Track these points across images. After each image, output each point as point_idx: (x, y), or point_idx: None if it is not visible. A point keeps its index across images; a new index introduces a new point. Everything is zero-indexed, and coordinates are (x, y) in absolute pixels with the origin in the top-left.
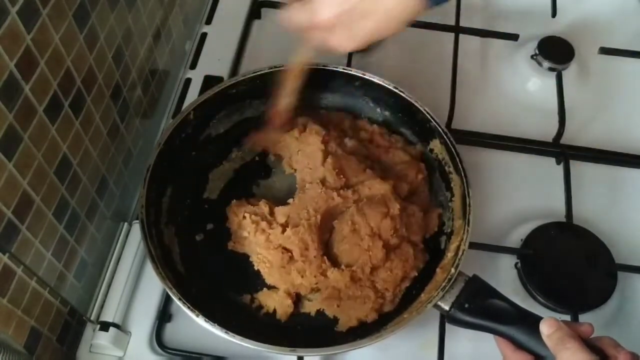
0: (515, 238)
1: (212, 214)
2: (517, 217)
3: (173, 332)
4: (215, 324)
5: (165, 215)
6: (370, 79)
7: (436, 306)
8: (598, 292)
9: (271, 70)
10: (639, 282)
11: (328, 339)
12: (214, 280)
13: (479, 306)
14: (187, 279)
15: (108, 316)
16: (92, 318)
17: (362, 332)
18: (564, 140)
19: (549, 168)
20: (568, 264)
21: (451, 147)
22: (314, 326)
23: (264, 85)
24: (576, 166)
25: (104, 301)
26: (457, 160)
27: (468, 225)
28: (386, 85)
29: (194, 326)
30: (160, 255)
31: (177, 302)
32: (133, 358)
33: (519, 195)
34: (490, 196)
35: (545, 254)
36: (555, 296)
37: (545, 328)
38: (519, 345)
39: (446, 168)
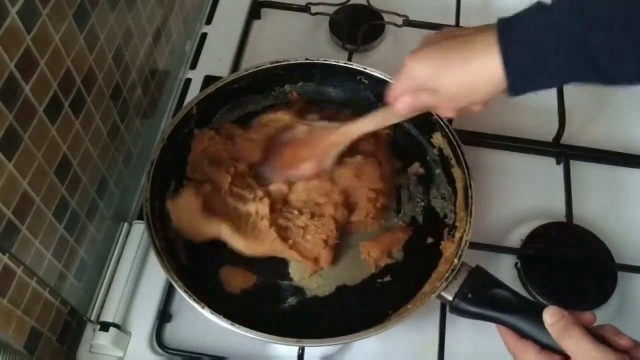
0: (515, 238)
1: None
2: (517, 217)
3: (173, 332)
4: (221, 316)
5: None
6: (373, 73)
7: (440, 297)
8: (598, 292)
9: (272, 65)
10: (639, 282)
11: (331, 331)
12: (218, 274)
13: (482, 296)
14: (191, 272)
15: (108, 316)
16: (92, 318)
17: (366, 322)
18: (564, 140)
19: (549, 168)
20: (568, 264)
21: (453, 140)
22: (317, 319)
23: (265, 80)
24: (576, 166)
25: (104, 301)
26: (459, 153)
27: (471, 217)
28: (388, 80)
29: (194, 326)
30: (165, 248)
31: (182, 294)
32: (133, 358)
33: (519, 195)
34: (490, 196)
35: (545, 254)
36: (555, 296)
37: (548, 316)
38: (522, 334)
39: (449, 161)
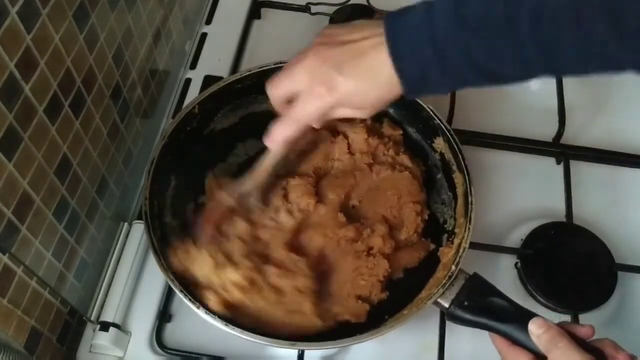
0: (515, 238)
1: None
2: (517, 217)
3: (173, 332)
4: (216, 317)
5: (169, 208)
6: None
7: (436, 303)
8: (598, 292)
9: (276, 65)
10: (639, 282)
11: (328, 334)
12: None
13: (479, 304)
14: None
15: (108, 316)
16: (92, 318)
17: (362, 327)
18: (564, 140)
19: (549, 168)
20: (568, 264)
21: (455, 145)
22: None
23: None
24: (576, 166)
25: (104, 301)
26: (460, 158)
27: (470, 223)
28: None
29: (194, 326)
30: (163, 248)
31: (179, 294)
32: (133, 358)
33: (519, 195)
34: (490, 196)
35: (545, 254)
36: (555, 296)
37: (534, 328)
38: (517, 343)
39: (450, 167)
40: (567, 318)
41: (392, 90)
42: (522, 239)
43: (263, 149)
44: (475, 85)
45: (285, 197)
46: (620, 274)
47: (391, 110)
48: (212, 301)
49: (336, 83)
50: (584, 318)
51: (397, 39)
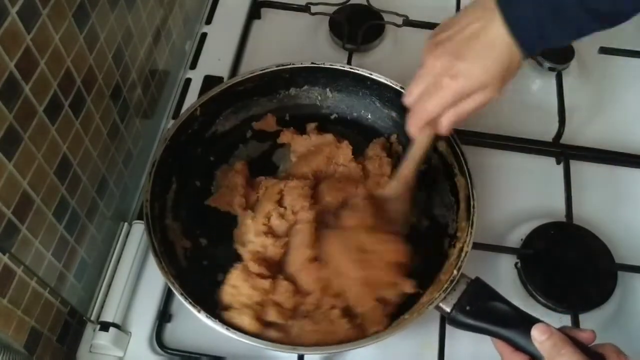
0: (515, 238)
1: (217, 211)
2: (517, 217)
3: (173, 332)
4: (217, 320)
5: (170, 211)
6: (378, 79)
7: (437, 308)
8: (598, 292)
9: (278, 68)
10: (639, 282)
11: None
12: (217, 277)
13: (480, 309)
14: (190, 275)
15: (108, 316)
16: (92, 318)
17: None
18: (564, 140)
19: (549, 168)
20: (568, 264)
21: (457, 148)
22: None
23: (271, 82)
24: (576, 166)
25: (104, 301)
26: (463, 161)
27: (471, 228)
28: (394, 86)
29: (194, 326)
30: (164, 250)
31: (179, 297)
32: (133, 358)
33: (519, 195)
34: (490, 196)
35: (545, 254)
36: (556, 296)
37: (537, 334)
38: (519, 348)
39: (452, 170)
40: (567, 318)
41: (513, 58)
42: (522, 239)
43: (265, 151)
44: (589, 31)
45: (280, 200)
46: (620, 274)
47: (394, 115)
48: (247, 322)
49: (457, 70)
50: (584, 318)
51: (509, 6)
